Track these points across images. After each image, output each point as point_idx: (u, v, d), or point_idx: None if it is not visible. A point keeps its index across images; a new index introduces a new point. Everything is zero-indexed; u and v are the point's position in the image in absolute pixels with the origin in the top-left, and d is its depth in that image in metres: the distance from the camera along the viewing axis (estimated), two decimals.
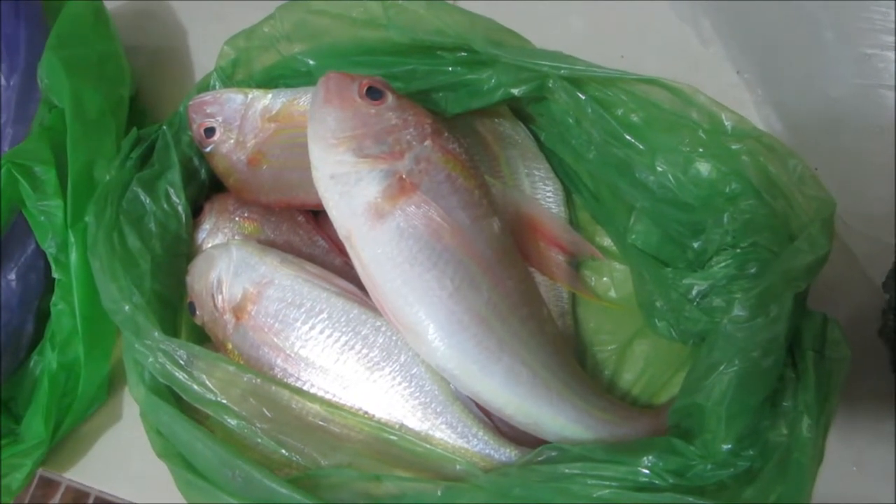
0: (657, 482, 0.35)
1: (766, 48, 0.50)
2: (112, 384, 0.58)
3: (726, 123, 0.39)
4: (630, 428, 0.42)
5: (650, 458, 0.36)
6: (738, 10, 0.52)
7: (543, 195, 0.51)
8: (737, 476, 0.35)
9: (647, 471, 0.35)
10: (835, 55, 0.44)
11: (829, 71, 0.45)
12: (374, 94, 0.43)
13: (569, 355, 0.44)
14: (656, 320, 0.45)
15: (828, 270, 0.40)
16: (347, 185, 0.41)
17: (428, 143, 0.42)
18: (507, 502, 0.37)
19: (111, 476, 0.57)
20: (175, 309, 0.51)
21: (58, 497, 1.06)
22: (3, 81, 0.56)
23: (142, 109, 0.66)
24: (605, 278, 0.51)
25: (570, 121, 0.45)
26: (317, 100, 0.43)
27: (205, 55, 0.69)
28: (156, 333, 0.44)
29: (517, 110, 0.53)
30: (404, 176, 0.41)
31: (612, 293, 0.50)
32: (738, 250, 0.39)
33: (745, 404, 0.35)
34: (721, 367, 0.35)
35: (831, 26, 0.44)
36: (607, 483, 0.36)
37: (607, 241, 0.52)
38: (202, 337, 0.50)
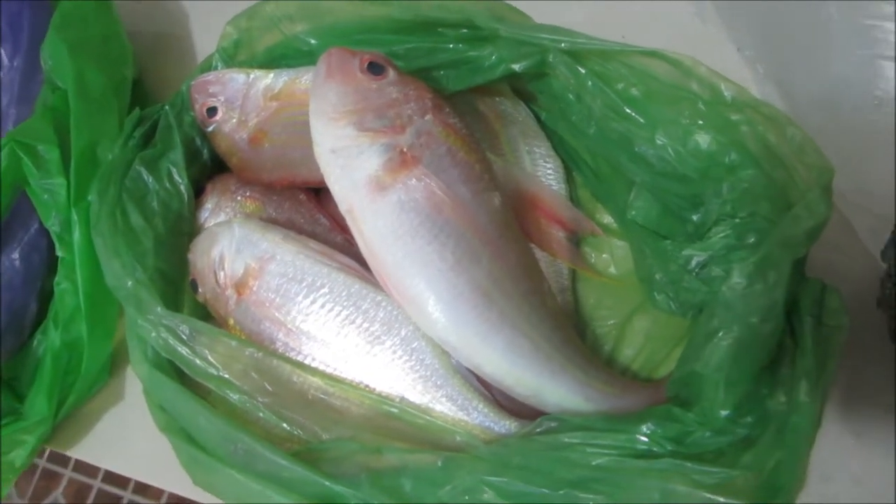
0: (655, 449, 0.35)
1: (767, 24, 0.50)
2: (115, 365, 0.58)
3: (726, 94, 0.39)
4: (630, 400, 0.42)
5: (649, 425, 0.36)
6: None
7: (544, 172, 0.51)
8: (735, 443, 0.35)
9: (645, 438, 0.36)
10: (837, 29, 0.43)
11: (830, 45, 0.44)
12: (375, 69, 0.43)
13: (570, 330, 0.45)
14: (655, 293, 0.45)
15: (827, 246, 0.40)
16: (349, 159, 0.41)
17: (429, 117, 0.43)
18: (506, 471, 0.37)
19: (115, 454, 0.57)
20: (177, 288, 0.51)
21: (60, 489, 1.07)
22: (7, 62, 0.56)
23: (144, 94, 0.67)
24: (605, 255, 0.51)
25: (571, 97, 0.45)
26: (318, 75, 0.43)
27: (206, 40, 0.70)
28: (158, 309, 0.44)
29: (518, 90, 0.53)
30: (405, 149, 0.41)
31: (613, 270, 0.50)
32: (737, 220, 0.39)
33: (744, 371, 0.35)
34: (719, 334, 0.35)
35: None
36: (606, 451, 0.36)
37: (607, 219, 0.52)
38: (204, 317, 0.50)
